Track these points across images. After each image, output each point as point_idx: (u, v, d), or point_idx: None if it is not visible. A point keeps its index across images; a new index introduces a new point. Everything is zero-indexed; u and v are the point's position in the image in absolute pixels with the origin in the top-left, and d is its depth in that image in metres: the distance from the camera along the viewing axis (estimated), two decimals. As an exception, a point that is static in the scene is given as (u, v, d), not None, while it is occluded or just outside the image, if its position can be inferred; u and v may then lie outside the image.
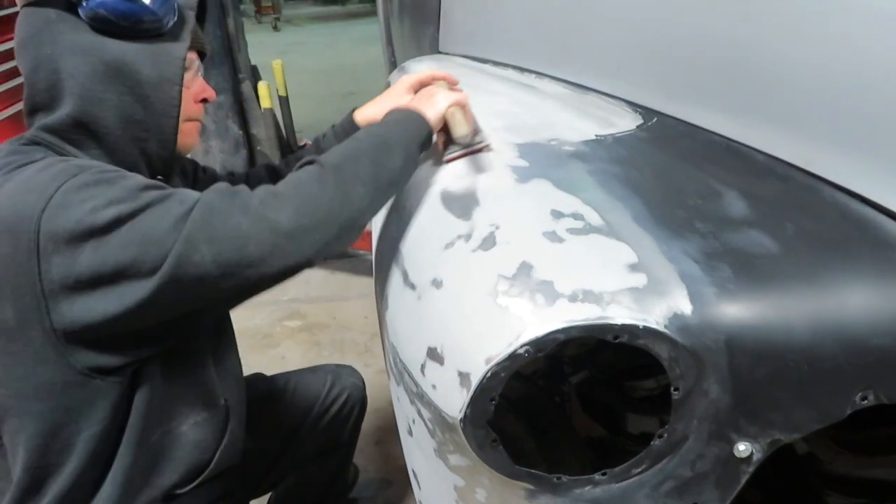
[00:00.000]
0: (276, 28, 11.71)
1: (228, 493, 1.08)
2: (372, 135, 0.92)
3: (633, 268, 0.68)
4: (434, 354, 0.69)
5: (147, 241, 0.78)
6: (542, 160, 0.89)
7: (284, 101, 2.88)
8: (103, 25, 0.88)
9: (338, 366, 1.48)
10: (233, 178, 1.25)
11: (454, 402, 0.66)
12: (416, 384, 0.73)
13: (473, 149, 0.93)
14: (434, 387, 0.69)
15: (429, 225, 0.83)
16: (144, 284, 0.78)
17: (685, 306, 0.65)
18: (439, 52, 1.81)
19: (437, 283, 0.74)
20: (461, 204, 0.82)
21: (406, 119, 0.94)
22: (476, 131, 0.97)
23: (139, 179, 0.84)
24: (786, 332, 0.66)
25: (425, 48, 1.92)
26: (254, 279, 0.80)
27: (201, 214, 0.79)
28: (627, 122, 1.02)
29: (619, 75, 1.11)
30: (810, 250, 0.72)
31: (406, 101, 1.02)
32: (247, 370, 1.17)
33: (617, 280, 0.66)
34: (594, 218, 0.74)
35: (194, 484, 0.99)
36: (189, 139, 1.00)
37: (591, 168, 0.86)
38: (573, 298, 0.64)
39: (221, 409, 1.04)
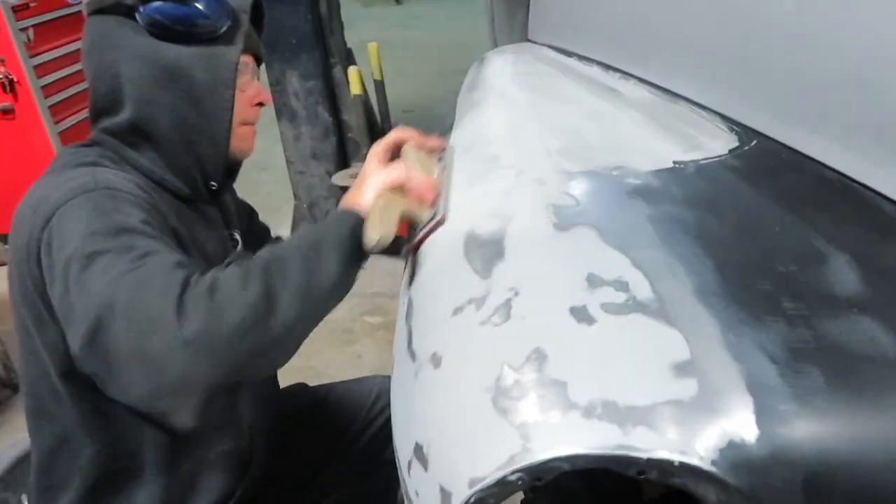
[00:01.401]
0: (398, 2, 11.71)
1: None
2: (304, 237, 0.80)
3: (681, 369, 0.51)
4: (420, 454, 0.56)
5: (88, 290, 0.71)
6: (594, 198, 0.72)
7: (380, 86, 2.79)
8: (160, 30, 0.89)
9: (386, 377, 1.38)
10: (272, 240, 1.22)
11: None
12: (404, 482, 0.60)
13: (431, 226, 0.77)
14: (417, 494, 0.56)
15: (443, 277, 0.69)
16: (76, 332, 0.70)
17: (748, 431, 0.48)
18: (528, 41, 1.65)
19: (435, 360, 0.60)
20: (484, 253, 0.67)
21: (340, 217, 0.81)
22: (430, 203, 0.82)
23: (132, 220, 0.78)
24: (892, 473, 0.48)
25: (515, 35, 1.77)
26: (150, 379, 0.69)
27: (133, 282, 0.70)
28: (719, 144, 0.82)
29: (713, 81, 0.90)
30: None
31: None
32: (323, 367, 1.09)
33: (654, 388, 0.50)
34: (642, 289, 0.57)
35: None
36: (244, 143, 1.00)
37: (655, 212, 0.68)
38: (589, 413, 0.49)
39: (246, 436, 0.98)
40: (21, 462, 0.98)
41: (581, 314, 0.55)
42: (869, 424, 0.49)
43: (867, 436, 0.49)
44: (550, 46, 1.46)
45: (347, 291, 0.82)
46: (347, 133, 2.59)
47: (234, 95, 0.92)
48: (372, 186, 0.83)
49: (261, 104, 0.99)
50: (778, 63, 0.77)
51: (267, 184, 3.49)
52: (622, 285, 0.58)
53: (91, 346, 0.69)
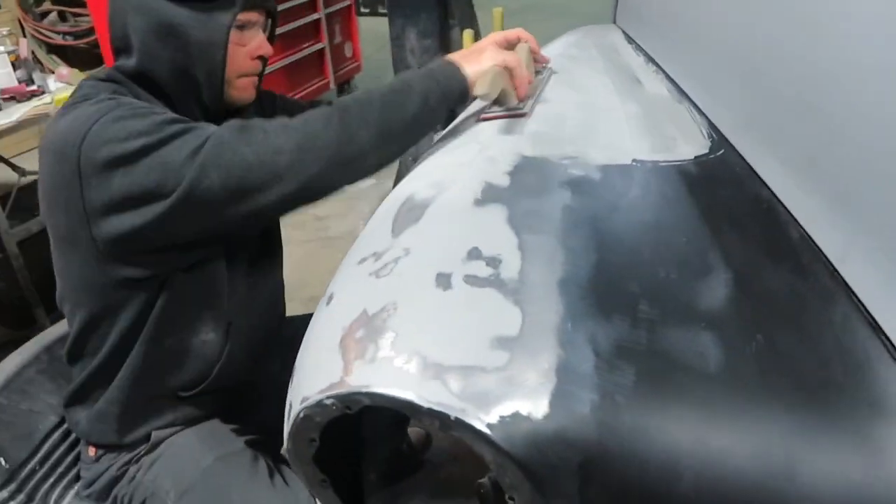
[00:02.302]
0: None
1: (235, 409, 1.15)
2: (398, 81, 0.93)
3: (501, 342, 0.55)
4: (294, 372, 0.65)
5: (167, 168, 0.86)
6: (528, 181, 0.76)
7: (500, 52, 2.84)
8: None
9: None
10: (309, 106, 1.29)
11: (284, 433, 0.62)
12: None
13: (509, 113, 0.88)
14: (288, 406, 0.65)
15: (372, 228, 0.76)
16: (164, 204, 0.87)
17: (537, 408, 0.52)
18: (614, 24, 1.63)
19: (328, 298, 0.68)
20: (407, 216, 0.74)
21: (439, 70, 0.94)
22: (520, 97, 0.94)
23: (167, 115, 0.92)
24: (667, 478, 0.50)
25: (609, 16, 1.75)
26: (257, 204, 0.87)
27: (213, 146, 0.86)
28: (690, 148, 0.82)
29: (708, 82, 0.89)
30: (764, 385, 0.52)
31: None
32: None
33: (466, 352, 0.55)
34: (511, 268, 0.62)
35: (196, 391, 1.08)
36: (244, 93, 1.07)
37: (574, 203, 0.71)
38: (403, 361, 0.55)
39: (223, 332, 1.08)
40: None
41: (443, 280, 0.61)
42: (658, 429, 0.52)
43: (652, 437, 0.52)
44: (624, 32, 1.45)
45: (431, 130, 0.95)
46: (457, 94, 2.67)
47: (225, 56, 0.98)
48: (488, 58, 0.94)
49: (261, 57, 1.04)
50: (751, 75, 0.76)
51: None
52: (495, 262, 0.63)
53: (187, 203, 0.86)
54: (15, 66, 2.03)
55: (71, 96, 1.00)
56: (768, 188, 0.69)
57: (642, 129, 0.88)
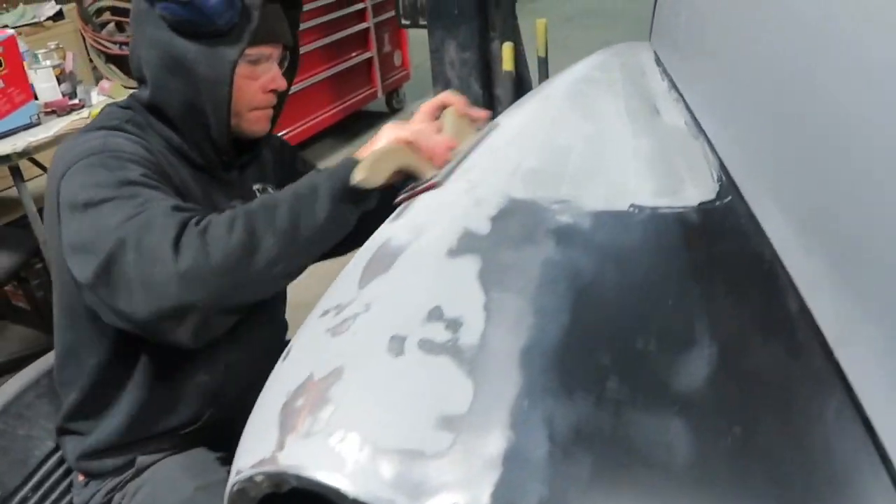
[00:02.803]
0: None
1: (227, 437, 1.12)
2: (304, 182, 0.90)
3: (449, 422, 0.50)
4: (242, 435, 0.62)
5: (100, 229, 0.83)
6: (510, 229, 0.70)
7: (543, 63, 2.75)
8: (170, 24, 0.96)
9: None
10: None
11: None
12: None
13: (421, 187, 0.81)
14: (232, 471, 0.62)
15: (343, 276, 0.72)
16: (88, 265, 0.83)
17: (475, 500, 0.47)
18: (650, 41, 1.55)
19: (286, 354, 0.65)
20: (377, 265, 0.69)
21: (342, 164, 0.90)
22: (439, 164, 0.88)
23: (133, 174, 0.90)
24: None
25: (647, 32, 1.67)
26: (151, 304, 0.80)
27: (139, 224, 0.82)
28: (697, 193, 0.75)
29: (724, 117, 0.82)
30: (736, 488, 0.46)
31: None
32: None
33: (410, 434, 0.50)
34: (472, 332, 0.57)
35: (188, 430, 1.07)
36: (256, 126, 1.07)
37: (556, 256, 0.65)
38: (338, 440, 0.50)
39: (220, 373, 1.06)
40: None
41: (396, 345, 0.56)
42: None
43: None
44: (656, 53, 1.37)
45: (343, 233, 0.91)
46: (497, 108, 2.61)
47: (230, 91, 0.97)
48: (381, 137, 0.91)
49: (274, 91, 1.04)
50: (770, 117, 0.68)
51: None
52: (456, 325, 0.58)
53: (103, 276, 0.82)
54: (60, 79, 2.09)
55: (94, 118, 1.03)
56: (771, 246, 0.62)
57: (649, 168, 0.81)
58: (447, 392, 0.52)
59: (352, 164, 0.88)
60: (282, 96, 1.10)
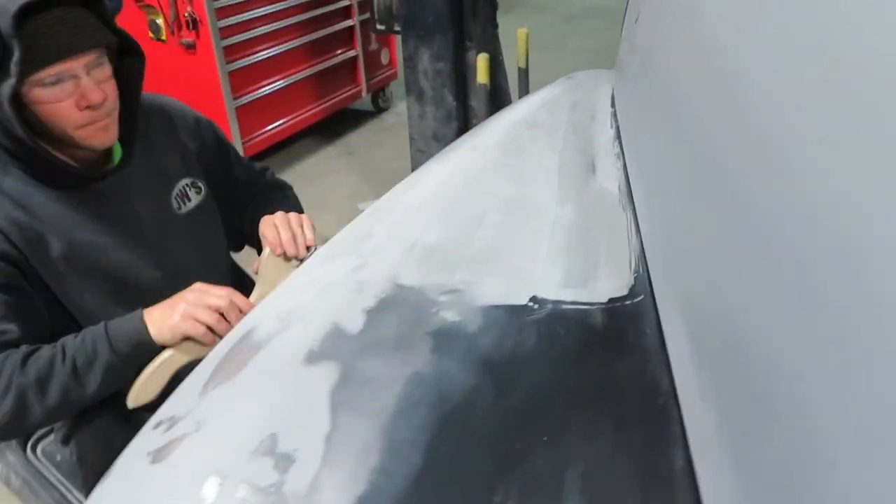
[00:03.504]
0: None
1: None
2: (85, 343, 0.91)
3: None
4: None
5: None
6: (384, 328, 0.61)
7: (523, 74, 2.65)
8: None
9: None
10: (255, 174, 1.28)
11: None
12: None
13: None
14: None
15: (198, 370, 0.63)
16: None
17: None
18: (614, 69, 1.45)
19: (108, 474, 0.56)
20: (231, 364, 0.60)
21: (123, 337, 0.91)
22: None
23: None
24: None
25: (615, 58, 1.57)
26: None
27: None
28: (609, 284, 0.66)
29: (654, 185, 0.73)
30: None
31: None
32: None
33: None
34: (303, 475, 0.48)
35: None
36: (94, 141, 0.96)
37: (426, 368, 0.56)
38: None
39: None
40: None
41: (212, 489, 0.48)
42: None
43: None
44: (613, 86, 1.27)
45: (118, 386, 0.94)
46: (473, 119, 2.52)
47: (22, 125, 0.88)
48: (170, 328, 0.91)
49: (90, 107, 0.92)
50: (707, 212, 0.59)
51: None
52: (286, 463, 0.49)
53: None
54: None
55: None
56: (671, 375, 0.53)
57: (563, 248, 0.72)
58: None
59: (132, 334, 0.91)
60: (129, 94, 1.01)
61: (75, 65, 0.90)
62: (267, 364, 0.59)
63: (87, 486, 1.07)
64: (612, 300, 0.64)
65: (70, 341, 0.92)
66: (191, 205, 1.12)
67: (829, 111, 0.35)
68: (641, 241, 0.71)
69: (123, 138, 1.02)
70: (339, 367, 0.56)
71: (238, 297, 0.92)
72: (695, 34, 0.71)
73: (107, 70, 0.95)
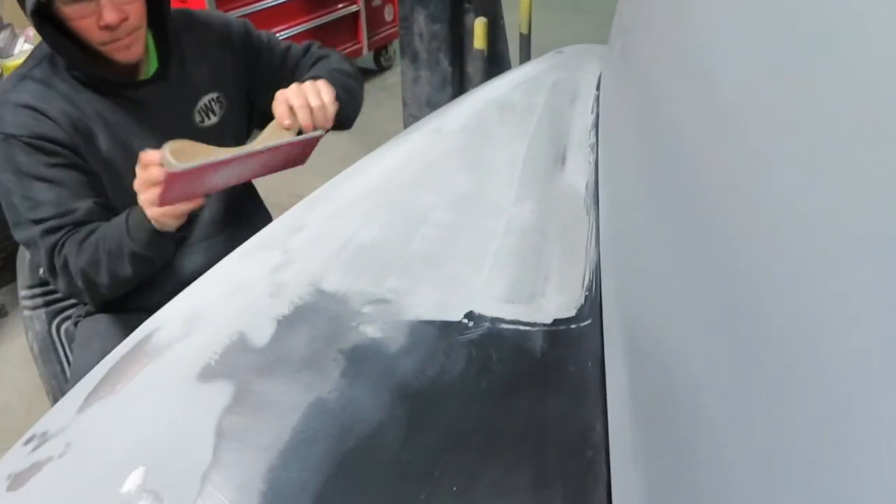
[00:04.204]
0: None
1: None
2: (115, 235, 0.97)
3: None
4: None
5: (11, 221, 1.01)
6: (295, 342, 0.54)
7: (525, 40, 2.53)
8: None
9: None
10: (297, 57, 1.27)
11: None
12: None
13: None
14: None
15: (84, 380, 0.57)
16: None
17: None
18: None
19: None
20: (120, 374, 0.54)
21: (140, 225, 0.95)
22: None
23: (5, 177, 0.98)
24: None
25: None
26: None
27: (26, 240, 1.00)
28: (556, 302, 0.59)
29: (621, 187, 0.65)
30: None
31: None
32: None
33: None
34: (167, 521, 0.42)
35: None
36: (120, 56, 1.01)
37: (330, 398, 0.50)
38: None
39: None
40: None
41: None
42: None
43: None
44: (602, 66, 1.18)
45: (161, 262, 1.03)
46: (468, 86, 2.40)
47: (51, 38, 0.96)
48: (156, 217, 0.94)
49: (108, 27, 0.95)
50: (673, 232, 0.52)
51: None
52: (154, 500, 0.43)
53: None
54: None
55: (16, 69, 1.05)
56: (605, 424, 0.46)
57: (513, 255, 0.65)
58: None
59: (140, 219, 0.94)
60: (159, 12, 1.05)
61: None
62: (157, 378, 0.52)
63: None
64: (556, 321, 0.57)
65: (108, 226, 0.98)
66: (213, 119, 1.17)
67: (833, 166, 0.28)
68: (598, 256, 0.63)
69: (158, 52, 1.08)
70: (234, 388, 0.50)
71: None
72: (681, 26, 0.62)
73: None
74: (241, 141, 1.22)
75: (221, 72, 1.18)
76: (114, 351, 0.58)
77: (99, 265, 0.97)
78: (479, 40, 2.25)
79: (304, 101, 0.98)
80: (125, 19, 0.96)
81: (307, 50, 1.27)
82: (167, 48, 1.09)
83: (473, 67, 2.34)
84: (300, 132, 0.98)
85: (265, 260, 0.64)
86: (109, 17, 0.95)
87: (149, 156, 0.87)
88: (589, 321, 0.56)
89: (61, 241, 0.97)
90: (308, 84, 1.01)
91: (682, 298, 0.40)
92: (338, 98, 1.03)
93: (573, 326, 0.56)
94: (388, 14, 4.14)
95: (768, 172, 0.32)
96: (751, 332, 0.30)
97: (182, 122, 1.13)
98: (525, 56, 2.58)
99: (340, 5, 3.78)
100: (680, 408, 0.37)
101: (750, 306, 0.30)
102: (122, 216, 0.97)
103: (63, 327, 1.24)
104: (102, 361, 0.58)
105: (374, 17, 4.01)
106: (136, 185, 0.91)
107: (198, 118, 1.15)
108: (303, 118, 0.97)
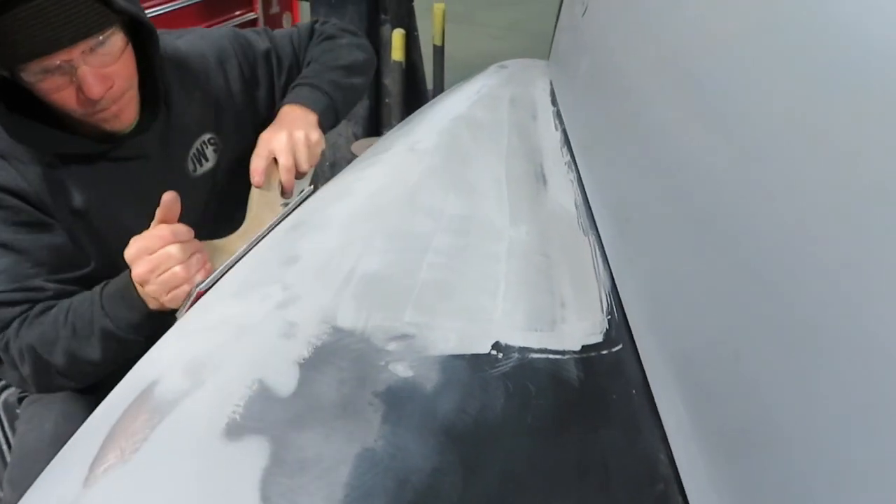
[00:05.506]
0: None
1: None
2: (83, 310, 0.86)
3: None
4: None
5: None
6: (323, 387, 0.50)
7: (438, 52, 2.55)
8: None
9: None
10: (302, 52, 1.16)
11: None
12: None
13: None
14: None
15: (69, 452, 0.50)
16: None
17: None
18: (549, 61, 1.38)
19: None
20: (126, 434, 0.48)
21: (123, 302, 0.85)
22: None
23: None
24: None
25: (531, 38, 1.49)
26: None
27: None
28: (580, 327, 0.58)
29: (618, 202, 0.65)
30: None
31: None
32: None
33: None
34: None
35: None
36: (108, 125, 0.89)
37: (377, 447, 0.46)
38: None
39: None
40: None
41: None
42: None
43: None
44: (552, 84, 1.20)
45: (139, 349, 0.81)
46: (385, 98, 2.38)
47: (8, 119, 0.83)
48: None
49: (91, 99, 0.82)
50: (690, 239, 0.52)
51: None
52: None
53: None
54: None
55: None
56: (669, 453, 0.46)
57: (523, 280, 0.63)
58: None
59: (136, 303, 0.84)
60: (147, 70, 0.91)
61: (66, 56, 0.79)
62: (174, 439, 0.47)
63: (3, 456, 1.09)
64: (585, 348, 0.56)
65: (76, 300, 0.87)
66: (207, 165, 1.05)
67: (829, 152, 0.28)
68: (612, 274, 0.63)
69: (143, 104, 0.94)
70: (270, 445, 0.45)
71: (172, 231, 0.82)
72: (667, 39, 0.63)
73: (115, 46, 0.84)
74: (234, 181, 1.08)
75: (213, 107, 1.05)
76: (104, 406, 0.51)
77: (55, 344, 0.85)
78: (396, 52, 2.24)
79: (291, 162, 0.92)
80: (110, 87, 0.84)
81: (312, 32, 1.16)
82: (153, 93, 0.95)
83: (391, 79, 2.32)
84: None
85: (266, 296, 0.59)
86: (92, 90, 0.81)
87: (175, 232, 0.80)
88: (620, 346, 0.56)
89: (9, 318, 0.85)
90: (300, 140, 0.95)
91: (738, 320, 0.40)
92: (336, 111, 0.99)
93: (605, 352, 0.56)
94: (287, 22, 4.04)
95: (767, 171, 0.32)
96: (836, 345, 0.31)
97: (174, 173, 1.00)
98: (439, 68, 2.59)
99: (237, 12, 3.64)
100: (767, 440, 0.37)
101: (828, 316, 0.31)
102: (96, 289, 0.86)
103: (3, 395, 1.10)
104: (92, 419, 0.51)
105: (273, 25, 3.90)
106: (153, 289, 0.81)
107: (190, 166, 1.03)
108: (286, 181, 0.92)
